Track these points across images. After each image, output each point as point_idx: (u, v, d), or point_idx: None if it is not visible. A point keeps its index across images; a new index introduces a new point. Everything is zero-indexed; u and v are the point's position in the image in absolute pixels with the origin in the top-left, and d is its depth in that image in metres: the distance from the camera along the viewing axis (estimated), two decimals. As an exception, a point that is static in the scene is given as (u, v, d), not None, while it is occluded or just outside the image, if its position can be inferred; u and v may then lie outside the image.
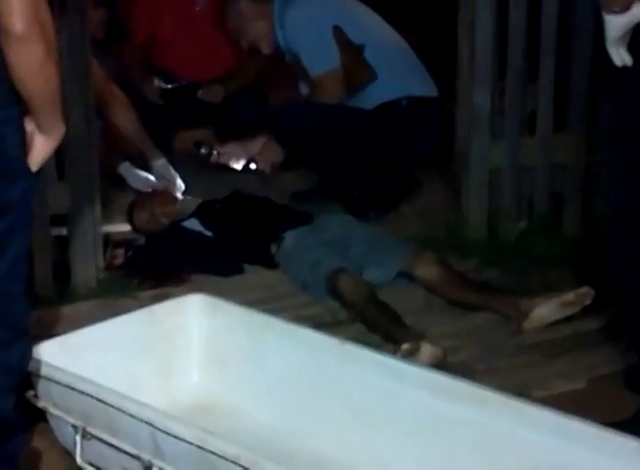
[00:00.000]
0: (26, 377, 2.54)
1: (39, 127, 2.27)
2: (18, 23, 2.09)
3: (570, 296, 3.42)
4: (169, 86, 5.00)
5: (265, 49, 4.53)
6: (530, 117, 4.09)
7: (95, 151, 3.60)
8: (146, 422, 2.37)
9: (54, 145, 2.32)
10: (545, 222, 4.05)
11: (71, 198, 3.58)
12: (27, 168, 2.28)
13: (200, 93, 4.99)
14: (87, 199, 3.59)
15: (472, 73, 3.97)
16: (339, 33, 4.31)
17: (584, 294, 3.41)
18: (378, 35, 4.41)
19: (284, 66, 4.57)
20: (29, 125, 2.27)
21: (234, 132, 4.86)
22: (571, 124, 4.09)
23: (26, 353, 2.41)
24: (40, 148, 2.30)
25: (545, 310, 3.43)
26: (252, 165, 4.43)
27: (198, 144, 4.53)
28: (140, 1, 4.98)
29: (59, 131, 2.31)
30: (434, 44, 5.44)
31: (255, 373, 2.89)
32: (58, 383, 2.57)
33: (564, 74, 4.08)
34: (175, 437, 2.33)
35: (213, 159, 4.43)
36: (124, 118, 4.36)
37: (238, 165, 4.38)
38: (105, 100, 4.20)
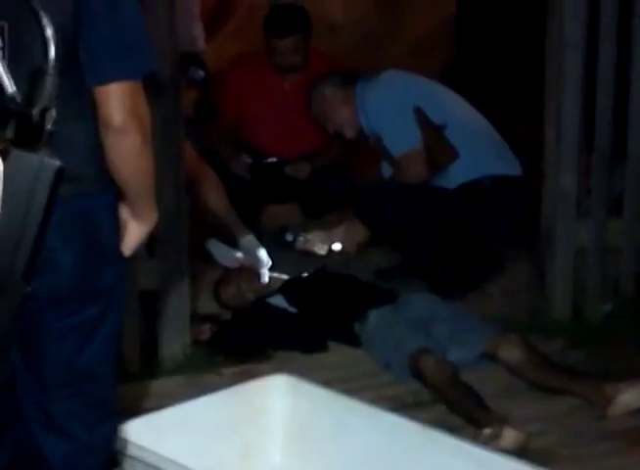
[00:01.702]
0: (113, 455, 2.58)
1: (133, 214, 2.34)
2: (116, 115, 2.18)
3: (656, 382, 3.39)
4: (260, 161, 5.07)
5: (349, 134, 4.60)
6: (617, 198, 4.08)
7: (185, 229, 3.68)
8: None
9: (147, 232, 2.39)
10: (632, 305, 4.01)
11: (161, 274, 3.65)
12: (120, 254, 2.34)
13: (287, 169, 5.06)
14: (176, 275, 3.66)
15: (558, 154, 3.98)
16: (419, 114, 4.36)
17: (671, 380, 3.37)
18: (459, 115, 4.45)
19: (368, 146, 4.62)
20: (124, 212, 2.34)
21: (320, 209, 4.93)
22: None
23: (113, 434, 2.46)
24: (133, 234, 2.36)
25: (631, 396, 3.39)
26: (338, 246, 4.48)
27: (283, 230, 4.60)
28: (229, 81, 5.07)
29: (152, 218, 2.37)
30: (519, 120, 5.46)
31: (337, 455, 2.90)
32: (144, 463, 2.61)
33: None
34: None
35: (298, 245, 4.49)
36: (213, 195, 4.44)
37: (322, 251, 4.44)
38: (195, 177, 4.28)
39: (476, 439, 3.12)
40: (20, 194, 2.05)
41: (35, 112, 2.05)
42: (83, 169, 2.23)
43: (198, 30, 5.08)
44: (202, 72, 4.63)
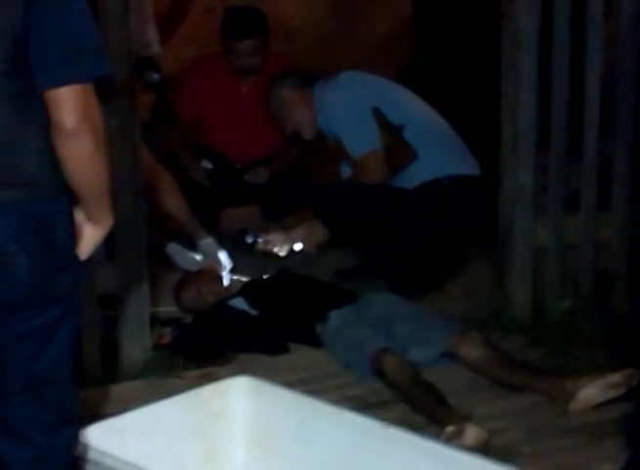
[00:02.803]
0: (74, 461, 2.57)
1: (88, 218, 2.33)
2: (68, 119, 2.16)
3: (615, 377, 3.40)
4: (220, 168, 5.05)
5: (307, 135, 4.59)
6: (575, 196, 4.10)
7: (143, 232, 3.66)
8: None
9: (102, 234, 2.39)
10: (590, 301, 4.04)
11: (120, 278, 3.63)
12: (76, 258, 2.33)
13: (246, 176, 5.05)
14: (135, 279, 3.64)
15: (515, 152, 4.00)
16: (378, 115, 4.36)
17: (630, 375, 3.39)
18: (417, 115, 4.45)
19: (326, 146, 4.62)
20: (79, 216, 2.33)
21: (279, 211, 4.92)
22: (615, 203, 4.10)
23: (74, 439, 2.45)
24: (89, 237, 2.36)
25: (591, 392, 3.41)
26: (298, 246, 4.47)
27: (242, 232, 4.59)
28: (186, 84, 5.06)
29: (108, 221, 2.37)
30: (475, 120, 5.49)
31: (300, 456, 2.90)
32: (105, 467, 2.59)
33: (607, 152, 4.11)
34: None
35: (258, 247, 4.49)
36: (171, 199, 4.42)
37: (283, 252, 4.44)
38: (152, 181, 4.26)
39: (438, 437, 3.13)
40: None
41: None
42: (37, 174, 2.22)
43: (151, 34, 5.06)
44: (156, 76, 4.61)
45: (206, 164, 4.99)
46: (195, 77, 5.06)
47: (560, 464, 3.10)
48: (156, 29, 5.10)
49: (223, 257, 4.41)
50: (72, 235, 2.30)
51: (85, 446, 2.61)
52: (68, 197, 2.28)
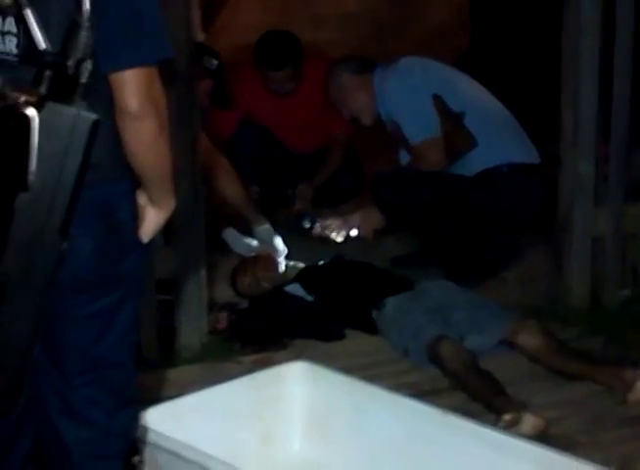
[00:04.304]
0: (133, 443, 2.59)
1: (151, 201, 2.34)
2: (132, 101, 2.17)
3: (675, 367, 3.37)
4: (268, 192, 5.06)
5: (366, 121, 4.58)
6: (635, 184, 4.06)
7: (202, 217, 3.67)
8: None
9: (165, 218, 2.39)
10: (650, 291, 4.01)
11: (178, 263, 3.65)
12: (139, 241, 2.34)
13: (296, 207, 5.00)
14: (193, 264, 3.66)
15: (575, 140, 3.96)
16: (438, 102, 4.34)
17: (691, 365, 3.36)
18: (478, 103, 4.42)
19: (385, 132, 4.61)
20: (142, 199, 2.33)
21: (333, 202, 4.94)
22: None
23: (133, 421, 2.47)
24: (152, 221, 2.36)
25: (650, 382, 3.38)
26: (354, 232, 4.47)
27: (300, 217, 4.59)
28: (239, 73, 5.04)
29: (170, 204, 2.37)
30: (537, 109, 5.44)
31: (357, 442, 2.90)
32: (164, 449, 2.61)
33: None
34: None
35: (315, 232, 4.49)
36: (229, 185, 4.43)
37: (340, 238, 4.44)
38: (210, 167, 4.27)
39: (495, 425, 3.11)
40: (55, 147, 2.03)
41: (70, 63, 2.04)
42: (101, 157, 2.22)
43: (197, 22, 5.05)
44: (215, 61, 4.61)
45: (255, 189, 4.99)
46: (242, 73, 5.05)
47: (618, 454, 3.07)
48: (200, 17, 5.10)
49: (279, 242, 4.41)
50: (135, 218, 2.31)
51: (144, 429, 2.63)
52: (132, 180, 2.29)
